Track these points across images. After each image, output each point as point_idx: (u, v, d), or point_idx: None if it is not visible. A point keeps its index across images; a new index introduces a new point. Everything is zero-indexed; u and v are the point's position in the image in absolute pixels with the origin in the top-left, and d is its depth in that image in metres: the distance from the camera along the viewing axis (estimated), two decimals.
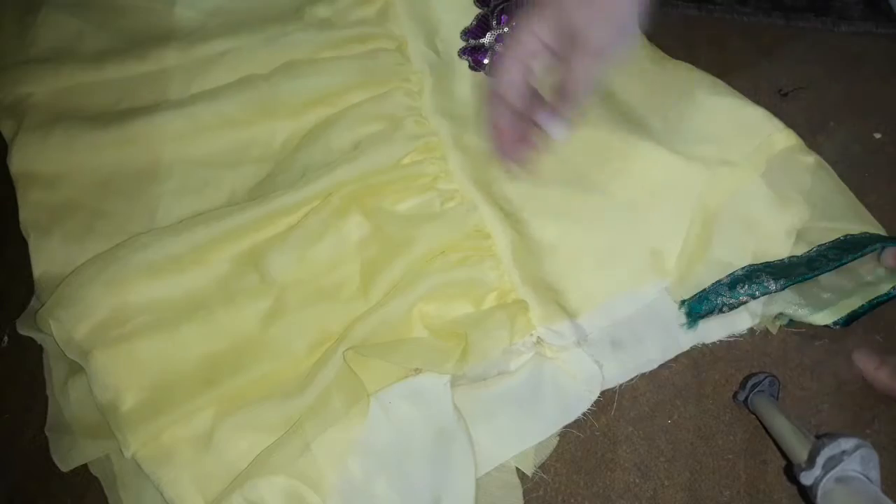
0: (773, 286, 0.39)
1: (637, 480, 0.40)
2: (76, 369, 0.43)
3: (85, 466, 0.42)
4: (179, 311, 0.42)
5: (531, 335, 0.41)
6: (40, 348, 0.45)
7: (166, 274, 0.42)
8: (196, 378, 0.40)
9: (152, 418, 0.39)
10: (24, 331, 0.45)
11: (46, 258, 0.45)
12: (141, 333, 0.41)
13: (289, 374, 0.41)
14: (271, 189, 0.45)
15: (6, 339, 0.47)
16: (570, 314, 0.41)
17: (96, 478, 0.41)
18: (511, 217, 0.44)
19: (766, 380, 0.40)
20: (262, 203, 0.44)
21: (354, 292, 0.43)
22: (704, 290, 0.41)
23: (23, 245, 0.46)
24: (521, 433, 0.40)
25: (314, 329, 0.42)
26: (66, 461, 0.41)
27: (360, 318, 0.41)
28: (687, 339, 0.42)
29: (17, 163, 0.47)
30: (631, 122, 0.46)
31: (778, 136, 0.43)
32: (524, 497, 0.40)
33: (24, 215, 0.46)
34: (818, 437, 0.34)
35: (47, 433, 0.42)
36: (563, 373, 0.41)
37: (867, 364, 0.40)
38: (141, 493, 0.40)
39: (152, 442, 0.39)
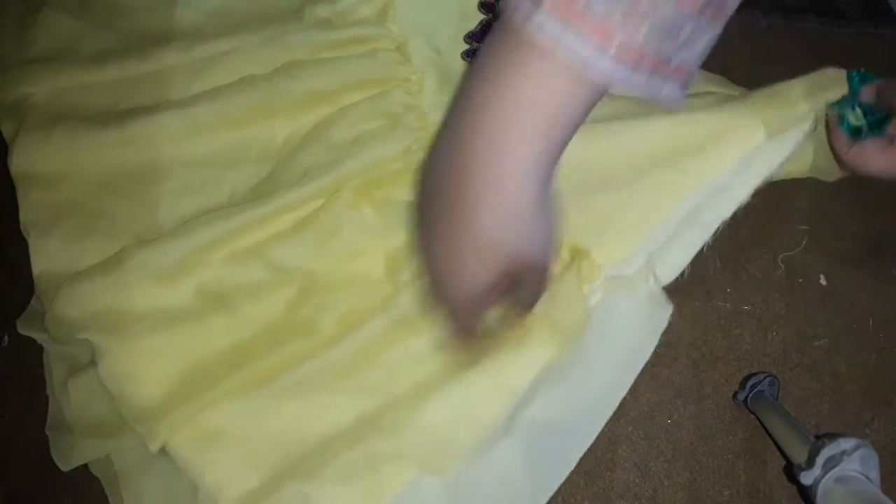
0: None
1: (637, 480, 0.40)
2: (76, 370, 0.43)
3: (85, 466, 0.42)
4: (197, 308, 0.42)
5: (600, 279, 0.41)
6: (40, 348, 0.45)
7: (175, 278, 0.42)
8: (224, 364, 0.40)
9: (181, 405, 0.39)
10: (24, 330, 0.45)
11: (46, 257, 0.45)
12: (160, 329, 0.41)
13: (320, 347, 0.41)
14: (274, 188, 0.45)
15: (6, 339, 0.47)
16: (631, 245, 0.41)
17: (96, 477, 0.41)
18: None
19: (766, 380, 0.40)
20: (268, 201, 0.44)
21: (381, 277, 0.43)
22: None
23: (23, 245, 0.46)
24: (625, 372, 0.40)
25: (342, 308, 0.42)
26: (66, 461, 0.41)
27: (395, 294, 0.41)
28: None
29: (18, 163, 0.47)
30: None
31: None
32: None
33: (24, 215, 0.46)
34: (818, 437, 0.34)
35: (48, 433, 0.42)
36: (633, 302, 0.41)
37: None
38: (141, 492, 0.40)
39: (185, 429, 0.39)
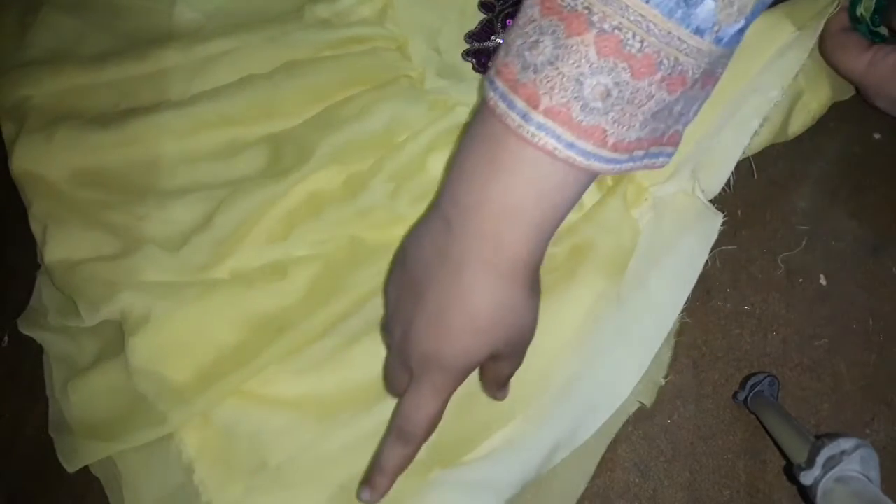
0: None
1: (637, 480, 0.40)
2: (76, 371, 0.43)
3: (84, 466, 0.42)
4: (241, 279, 0.43)
5: (646, 199, 0.41)
6: (40, 348, 0.45)
7: (207, 270, 0.43)
8: (270, 329, 0.41)
9: (226, 376, 0.39)
10: (25, 330, 0.45)
11: (64, 245, 0.44)
12: (205, 296, 0.41)
13: (360, 303, 0.42)
14: (285, 166, 0.45)
15: (6, 339, 0.47)
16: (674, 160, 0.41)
17: (96, 478, 0.41)
18: None
19: (766, 380, 0.40)
20: (284, 177, 0.44)
21: None
22: None
23: (23, 245, 0.46)
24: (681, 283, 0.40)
25: (384, 266, 0.42)
26: (71, 462, 0.41)
27: None
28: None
29: (20, 164, 0.47)
30: None
31: None
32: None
33: (35, 208, 0.46)
34: (818, 437, 0.34)
35: (52, 434, 0.42)
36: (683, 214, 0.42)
37: (857, 56, 0.40)
38: (141, 493, 0.40)
39: (230, 399, 0.40)
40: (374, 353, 0.40)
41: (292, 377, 0.40)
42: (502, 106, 0.26)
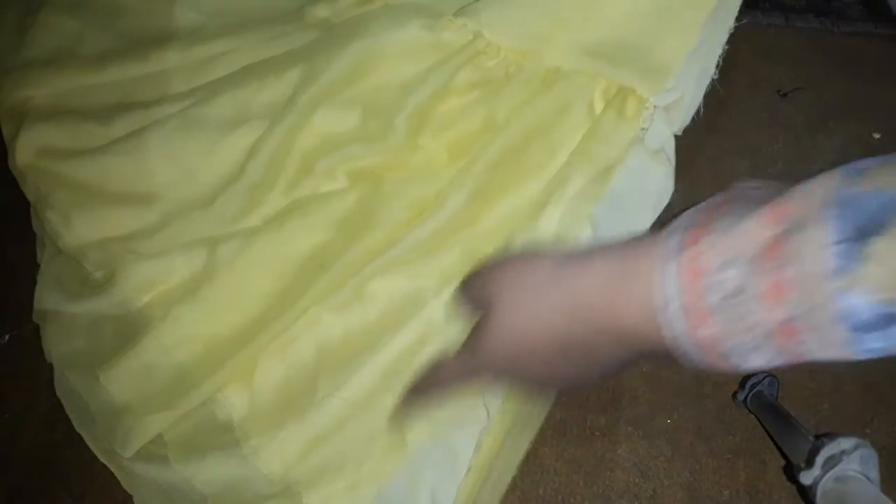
0: None
1: (637, 480, 0.40)
2: (86, 365, 0.42)
3: (84, 466, 0.42)
4: (271, 222, 0.44)
5: (647, 109, 0.42)
6: (40, 348, 0.45)
7: (238, 222, 0.44)
8: (311, 267, 0.41)
9: (269, 324, 0.40)
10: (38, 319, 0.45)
11: (88, 229, 0.45)
12: (247, 243, 0.42)
13: (397, 234, 0.42)
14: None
15: (7, 338, 0.47)
16: (668, 68, 0.43)
17: (96, 477, 0.41)
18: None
19: (766, 380, 0.40)
20: (299, 97, 0.45)
21: (444, 164, 0.44)
22: None
23: (23, 245, 0.46)
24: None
25: (411, 194, 0.43)
26: (126, 446, 0.40)
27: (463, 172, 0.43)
28: None
29: (24, 159, 0.47)
30: None
31: None
32: (524, 496, 0.40)
33: (53, 199, 0.46)
34: (818, 437, 0.34)
35: (79, 431, 0.42)
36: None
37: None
38: (205, 458, 0.40)
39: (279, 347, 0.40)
40: (396, 286, 0.41)
41: (334, 315, 0.41)
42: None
